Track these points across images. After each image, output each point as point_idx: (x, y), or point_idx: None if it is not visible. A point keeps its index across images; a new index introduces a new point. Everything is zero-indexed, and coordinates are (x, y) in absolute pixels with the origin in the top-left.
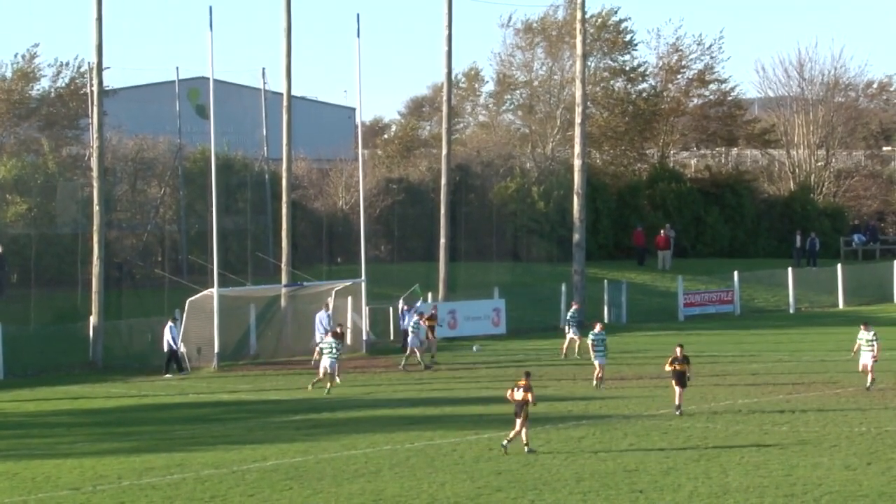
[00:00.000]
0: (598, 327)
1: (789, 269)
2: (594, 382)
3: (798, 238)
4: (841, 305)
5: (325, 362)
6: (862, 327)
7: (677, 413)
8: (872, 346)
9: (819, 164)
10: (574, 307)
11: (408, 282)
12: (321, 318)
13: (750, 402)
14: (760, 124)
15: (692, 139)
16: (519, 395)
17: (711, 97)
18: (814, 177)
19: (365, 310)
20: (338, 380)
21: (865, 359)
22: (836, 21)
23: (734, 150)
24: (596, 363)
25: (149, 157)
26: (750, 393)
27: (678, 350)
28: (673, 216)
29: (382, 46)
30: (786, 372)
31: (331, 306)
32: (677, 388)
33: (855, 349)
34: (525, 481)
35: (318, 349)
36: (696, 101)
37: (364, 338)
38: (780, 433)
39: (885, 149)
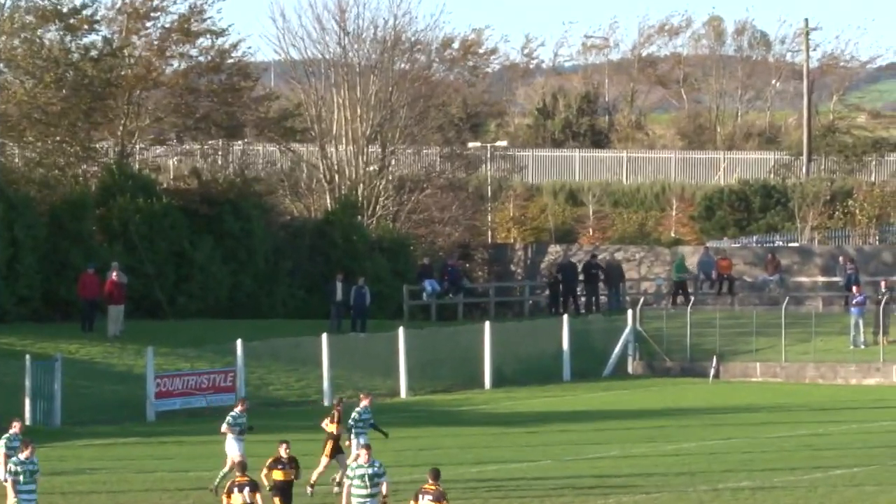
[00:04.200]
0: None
1: (324, 337)
2: None
3: (339, 286)
4: (403, 394)
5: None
6: (362, 453)
7: None
8: (378, 484)
9: (371, 168)
10: (363, 402)
11: None
12: None
13: None
14: (279, 103)
15: (171, 126)
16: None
17: (201, 58)
18: (363, 188)
19: None
20: None
21: None
22: None
23: (238, 145)
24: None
25: None
26: None
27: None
28: (140, 250)
29: None
30: None
31: None
32: None
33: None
34: None
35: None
36: (176, 64)
37: None
38: None
39: (471, 145)
